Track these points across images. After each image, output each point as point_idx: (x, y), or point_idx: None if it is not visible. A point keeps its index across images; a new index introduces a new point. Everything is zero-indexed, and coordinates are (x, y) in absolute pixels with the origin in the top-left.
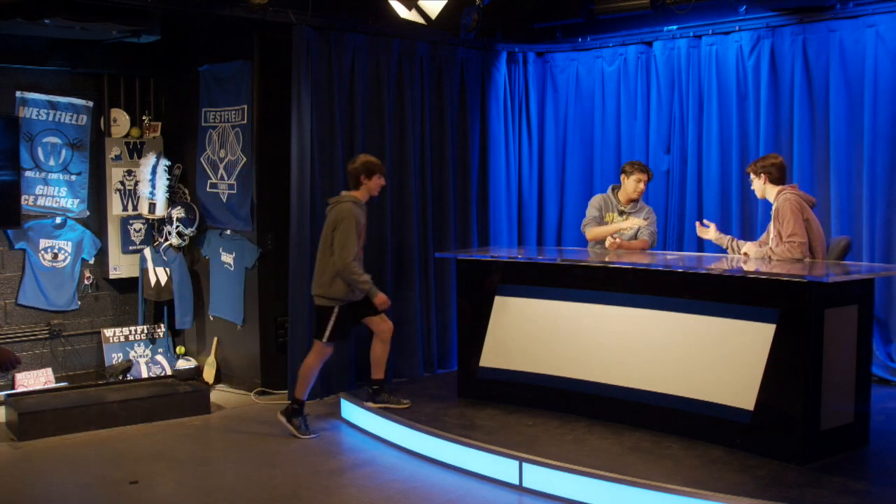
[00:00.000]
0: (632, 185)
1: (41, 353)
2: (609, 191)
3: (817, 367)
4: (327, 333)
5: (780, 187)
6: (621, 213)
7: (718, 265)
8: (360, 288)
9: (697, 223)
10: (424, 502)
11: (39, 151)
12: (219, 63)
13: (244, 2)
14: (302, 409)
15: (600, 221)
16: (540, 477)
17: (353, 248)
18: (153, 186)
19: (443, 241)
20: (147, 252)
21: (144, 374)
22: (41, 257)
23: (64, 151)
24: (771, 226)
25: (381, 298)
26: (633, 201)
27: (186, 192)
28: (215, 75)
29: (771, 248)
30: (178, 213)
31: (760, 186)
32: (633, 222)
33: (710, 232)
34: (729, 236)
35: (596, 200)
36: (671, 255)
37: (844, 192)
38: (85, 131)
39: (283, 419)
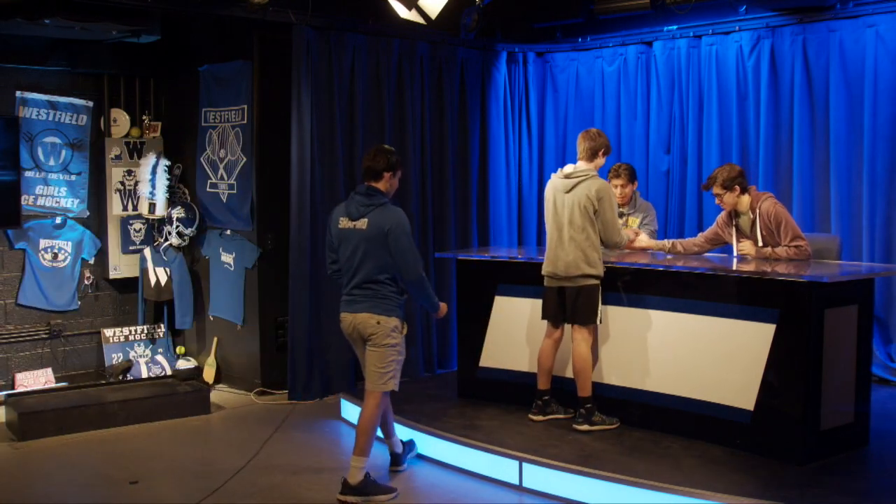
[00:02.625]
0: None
1: (41, 353)
2: None
3: (817, 367)
4: (600, 313)
5: (753, 194)
6: (619, 214)
7: (719, 265)
8: (625, 246)
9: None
10: (424, 502)
11: (39, 151)
12: (219, 63)
13: (244, 2)
14: (594, 404)
15: None
16: (540, 477)
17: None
18: (153, 186)
19: (443, 241)
20: (147, 252)
21: (144, 374)
22: (41, 257)
23: (64, 151)
24: (726, 230)
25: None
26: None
27: (186, 192)
28: (215, 75)
29: (774, 251)
30: (178, 213)
31: (734, 200)
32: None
33: (641, 240)
34: (669, 241)
35: None
36: (671, 255)
37: (844, 192)
38: (85, 131)
39: (585, 427)
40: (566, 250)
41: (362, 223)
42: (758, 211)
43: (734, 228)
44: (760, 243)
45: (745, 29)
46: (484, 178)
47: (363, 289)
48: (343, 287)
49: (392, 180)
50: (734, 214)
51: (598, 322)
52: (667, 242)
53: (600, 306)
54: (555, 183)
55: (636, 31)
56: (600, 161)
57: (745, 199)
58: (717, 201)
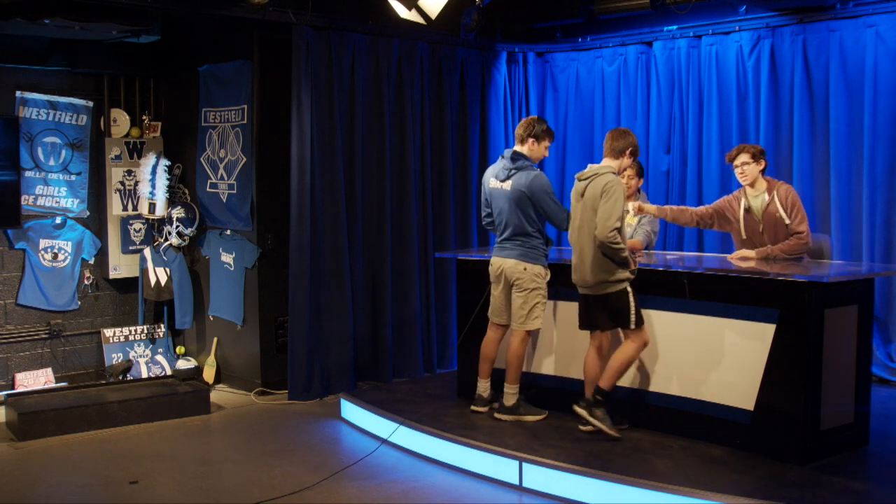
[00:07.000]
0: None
1: (41, 353)
2: None
3: (817, 367)
4: (633, 318)
5: (771, 179)
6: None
7: (718, 265)
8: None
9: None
10: (424, 502)
11: (39, 151)
12: (219, 63)
13: (244, 2)
14: (607, 399)
15: None
16: (540, 477)
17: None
18: (153, 186)
19: (443, 241)
20: (147, 252)
21: (144, 374)
22: (41, 257)
23: (64, 151)
24: (734, 204)
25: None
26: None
27: (186, 192)
28: (215, 75)
29: (778, 248)
30: (178, 213)
31: (755, 172)
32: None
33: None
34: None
35: None
36: (671, 255)
37: (844, 192)
38: (85, 131)
39: (583, 413)
40: (593, 258)
41: (507, 184)
42: (775, 192)
43: (742, 211)
44: (787, 221)
45: (745, 29)
46: None
47: (513, 240)
48: (497, 237)
49: (535, 146)
50: (745, 195)
51: (632, 326)
52: (666, 209)
53: (635, 309)
54: (576, 187)
55: (636, 31)
56: (625, 161)
57: (762, 181)
58: (738, 172)
